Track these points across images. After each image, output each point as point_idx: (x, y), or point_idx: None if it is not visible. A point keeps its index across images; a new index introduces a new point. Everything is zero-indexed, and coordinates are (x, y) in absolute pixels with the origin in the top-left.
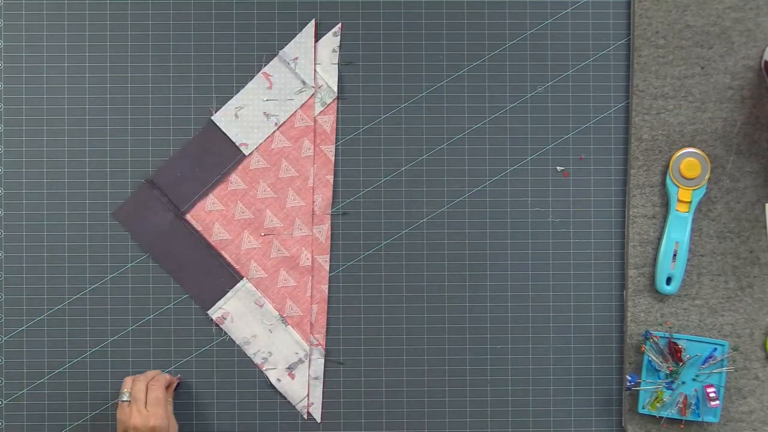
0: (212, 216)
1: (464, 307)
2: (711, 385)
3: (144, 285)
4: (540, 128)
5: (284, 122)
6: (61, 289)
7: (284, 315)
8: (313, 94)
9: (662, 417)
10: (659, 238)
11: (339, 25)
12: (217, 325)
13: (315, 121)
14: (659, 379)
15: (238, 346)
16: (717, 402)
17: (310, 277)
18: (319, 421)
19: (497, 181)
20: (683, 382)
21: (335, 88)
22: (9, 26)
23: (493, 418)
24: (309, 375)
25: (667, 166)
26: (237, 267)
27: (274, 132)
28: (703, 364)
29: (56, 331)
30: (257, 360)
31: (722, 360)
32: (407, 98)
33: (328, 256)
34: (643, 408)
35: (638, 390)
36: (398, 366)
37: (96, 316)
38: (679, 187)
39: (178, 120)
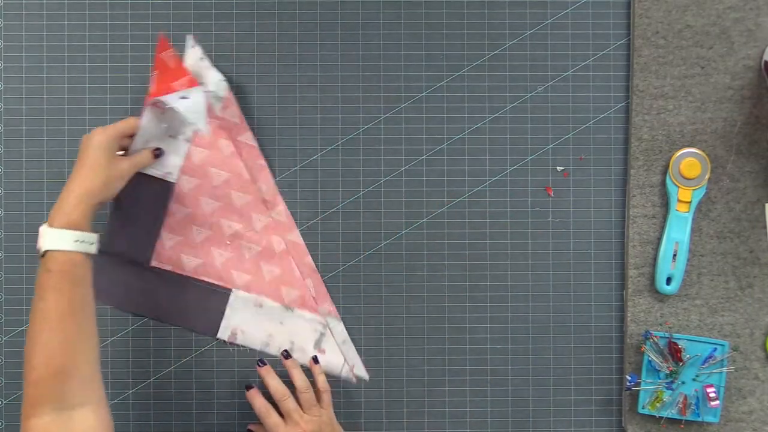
0: (174, 250)
1: (464, 307)
2: (711, 385)
3: None
4: (540, 128)
5: (193, 135)
6: None
7: (286, 303)
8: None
9: (662, 417)
10: (659, 238)
11: (191, 36)
12: (232, 344)
13: (221, 119)
14: (659, 379)
15: (261, 351)
16: (717, 402)
17: (291, 258)
18: (367, 378)
19: (497, 181)
20: (683, 382)
21: (222, 83)
22: (9, 26)
23: (493, 418)
24: (337, 343)
25: (667, 166)
26: (221, 283)
27: (189, 148)
28: (703, 364)
29: None
30: (297, 357)
31: (722, 360)
32: (407, 98)
33: (297, 230)
34: (643, 408)
35: (638, 390)
36: (398, 366)
37: (96, 316)
38: (679, 187)
39: None
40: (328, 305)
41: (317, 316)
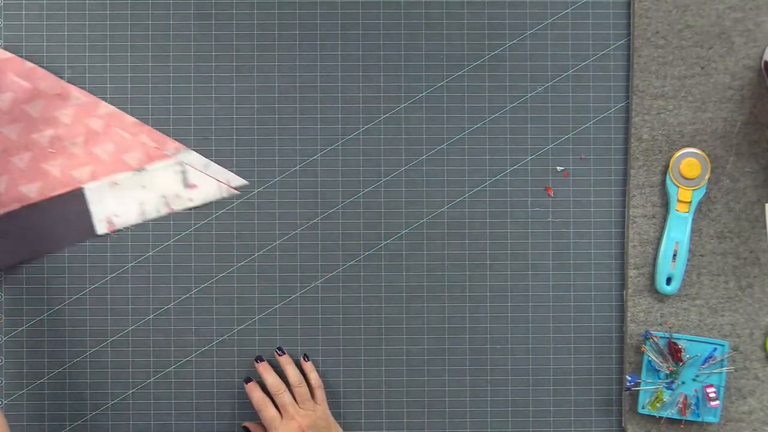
0: (9, 189)
1: (464, 307)
2: (711, 385)
3: (144, 285)
4: (540, 128)
5: None
6: (61, 289)
7: (135, 167)
8: None
9: (662, 417)
10: (659, 238)
11: None
12: (114, 231)
13: None
14: (659, 379)
15: (145, 222)
16: (717, 402)
17: (114, 128)
18: (246, 182)
19: (497, 181)
20: (683, 382)
21: None
22: (9, 26)
23: (493, 418)
24: (200, 171)
25: (667, 166)
26: (69, 188)
27: None
28: (703, 364)
29: (56, 331)
30: (177, 207)
31: (722, 360)
32: (407, 98)
33: (102, 101)
34: (643, 408)
35: (638, 390)
36: (398, 366)
37: (96, 316)
38: (679, 187)
39: (178, 120)
40: (171, 143)
41: (168, 159)
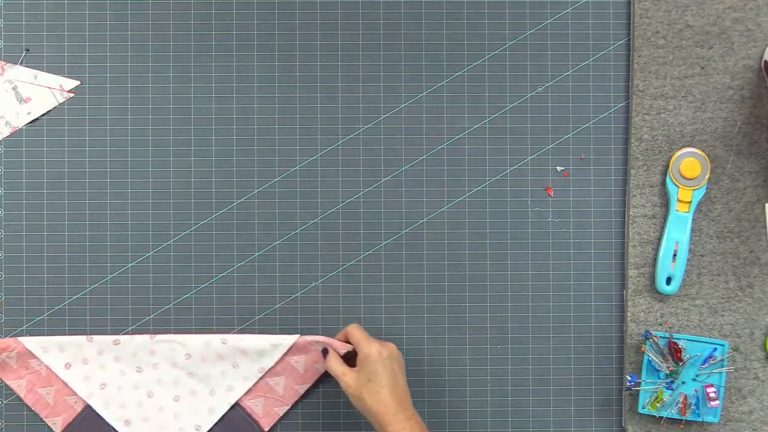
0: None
1: (464, 307)
2: (711, 385)
3: (144, 285)
4: (540, 128)
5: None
6: (61, 289)
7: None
8: None
9: (662, 417)
10: (659, 238)
11: None
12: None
13: None
14: (659, 379)
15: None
16: (717, 402)
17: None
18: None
19: (497, 181)
20: (683, 382)
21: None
22: (9, 26)
23: (493, 418)
24: (29, 77)
25: (667, 166)
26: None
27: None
28: (703, 364)
29: (56, 331)
30: (18, 123)
31: (722, 360)
32: (407, 98)
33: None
34: (643, 408)
35: (638, 390)
36: None
37: (96, 316)
38: (679, 187)
39: (178, 120)
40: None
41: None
